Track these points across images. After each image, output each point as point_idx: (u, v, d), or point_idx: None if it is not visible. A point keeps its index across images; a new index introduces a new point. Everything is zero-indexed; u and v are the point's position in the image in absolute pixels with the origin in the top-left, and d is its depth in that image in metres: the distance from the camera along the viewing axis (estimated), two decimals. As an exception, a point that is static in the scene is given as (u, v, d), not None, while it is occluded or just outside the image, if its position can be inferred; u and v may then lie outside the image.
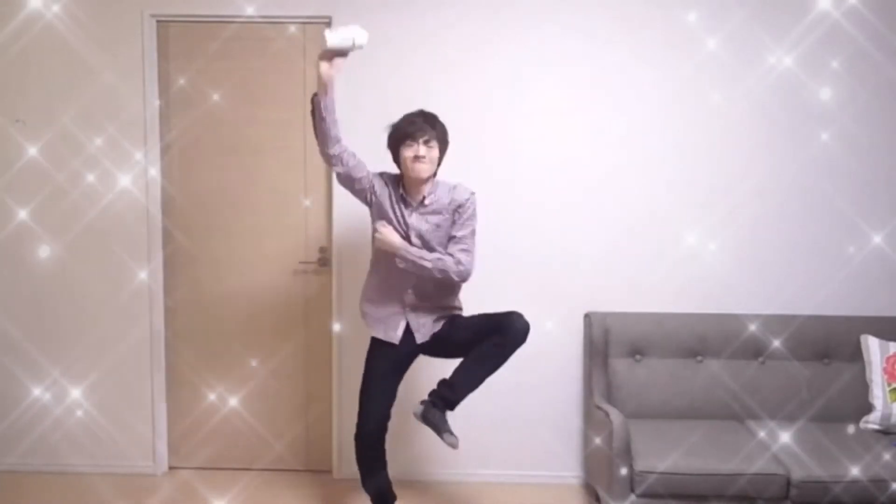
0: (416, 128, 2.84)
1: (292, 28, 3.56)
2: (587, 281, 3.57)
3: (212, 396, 3.71)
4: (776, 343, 3.42)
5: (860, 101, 3.48)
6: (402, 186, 2.94)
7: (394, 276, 2.91)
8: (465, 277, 2.89)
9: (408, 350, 2.99)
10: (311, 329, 3.71)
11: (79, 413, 3.68)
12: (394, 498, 3.12)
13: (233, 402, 3.71)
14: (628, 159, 3.55)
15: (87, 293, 3.65)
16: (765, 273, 3.56)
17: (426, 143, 2.83)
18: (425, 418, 2.90)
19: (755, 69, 3.47)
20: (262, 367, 3.70)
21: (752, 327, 3.42)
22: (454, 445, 2.87)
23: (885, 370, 3.30)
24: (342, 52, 2.70)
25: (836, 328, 3.45)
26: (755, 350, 3.44)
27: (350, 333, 3.60)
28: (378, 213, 2.94)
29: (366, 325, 3.02)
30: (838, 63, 3.46)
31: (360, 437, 3.00)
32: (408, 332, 2.96)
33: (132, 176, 3.59)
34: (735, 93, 3.49)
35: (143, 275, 3.63)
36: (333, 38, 2.65)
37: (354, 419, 3.68)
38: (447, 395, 2.91)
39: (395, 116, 3.52)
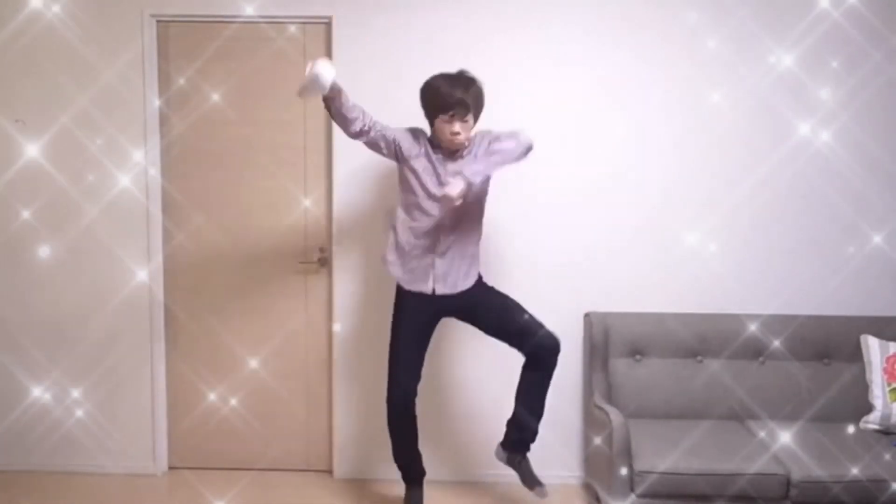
0: (456, 104, 2.86)
1: (292, 28, 3.56)
2: (587, 281, 3.58)
3: (212, 396, 3.71)
4: (776, 343, 3.42)
5: (860, 101, 3.48)
6: (434, 143, 3.01)
7: (425, 225, 3.00)
8: (531, 144, 2.96)
9: (433, 310, 3.07)
10: (311, 329, 3.71)
11: (79, 413, 3.68)
12: (422, 473, 3.23)
13: (233, 402, 3.71)
14: (628, 159, 3.55)
15: (88, 293, 3.65)
16: (765, 273, 3.56)
17: (463, 119, 2.89)
18: (515, 466, 3.15)
19: (755, 69, 3.47)
20: (262, 367, 3.70)
21: (752, 327, 3.42)
22: (543, 495, 3.10)
23: (885, 370, 3.30)
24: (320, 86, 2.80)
25: (836, 328, 3.45)
26: (755, 350, 3.44)
27: (350, 333, 3.60)
28: (409, 169, 3.01)
29: (390, 273, 3.10)
30: (838, 63, 3.47)
31: (390, 404, 3.11)
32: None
33: (132, 176, 3.59)
34: (735, 93, 3.49)
35: (143, 275, 3.63)
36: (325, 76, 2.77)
37: (354, 419, 3.70)
38: (521, 437, 3.11)
39: (393, 115, 3.54)
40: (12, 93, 3.58)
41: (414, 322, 3.09)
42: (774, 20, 3.46)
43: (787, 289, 3.55)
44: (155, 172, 3.61)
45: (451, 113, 2.88)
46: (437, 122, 2.94)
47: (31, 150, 3.58)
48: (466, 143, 2.97)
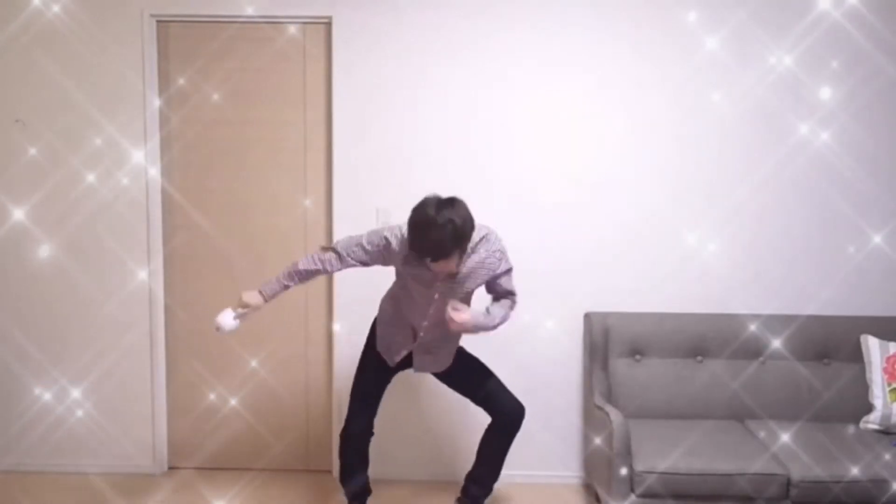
0: (436, 255, 2.64)
1: (292, 28, 3.56)
2: (587, 281, 3.58)
3: (212, 396, 3.72)
4: (776, 343, 3.42)
5: (860, 101, 3.48)
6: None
7: (412, 313, 2.95)
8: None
9: (402, 366, 3.09)
10: (311, 329, 3.71)
11: (79, 413, 3.69)
12: (369, 492, 3.26)
13: (233, 402, 3.71)
14: (628, 159, 3.55)
15: (88, 293, 3.65)
16: (765, 273, 3.56)
17: (446, 261, 2.68)
18: None
19: (755, 69, 3.48)
20: (262, 367, 3.70)
21: (752, 327, 3.42)
22: None
23: (885, 370, 3.30)
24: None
25: (836, 328, 3.45)
26: (755, 350, 3.44)
27: (350, 333, 3.60)
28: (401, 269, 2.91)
29: (377, 342, 3.07)
30: (838, 63, 3.47)
31: (345, 437, 3.13)
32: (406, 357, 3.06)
33: (132, 176, 3.59)
34: (735, 93, 3.49)
35: (143, 275, 3.63)
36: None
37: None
38: (477, 493, 3.14)
39: (393, 115, 3.54)
40: (12, 93, 3.58)
41: (381, 371, 3.08)
42: (774, 20, 3.46)
43: (787, 289, 3.55)
44: (155, 172, 3.61)
45: (434, 261, 2.67)
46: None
47: (31, 150, 3.58)
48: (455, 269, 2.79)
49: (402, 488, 3.59)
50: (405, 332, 2.99)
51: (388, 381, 3.14)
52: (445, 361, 3.07)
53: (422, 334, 2.95)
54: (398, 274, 2.97)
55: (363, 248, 2.85)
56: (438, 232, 2.58)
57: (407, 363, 3.07)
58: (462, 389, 3.13)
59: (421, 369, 3.07)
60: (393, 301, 3.03)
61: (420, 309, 2.90)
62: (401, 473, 3.67)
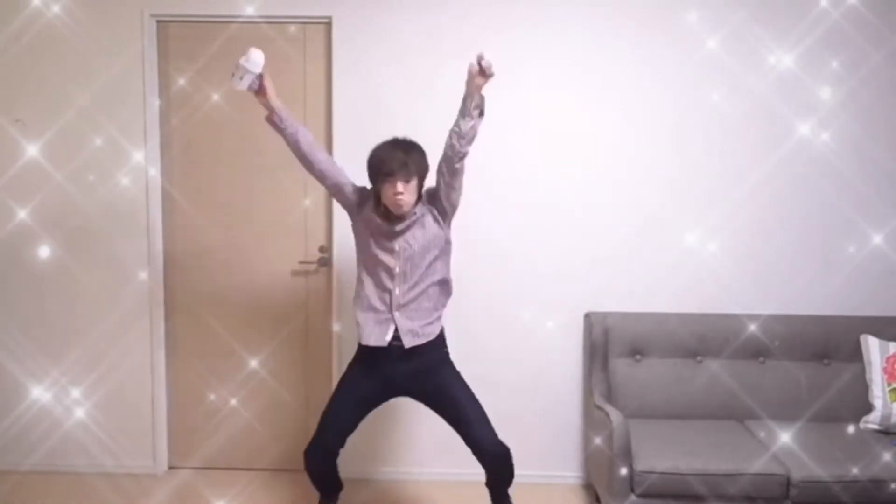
0: (396, 165, 2.75)
1: (292, 28, 3.56)
2: (587, 281, 3.58)
3: (212, 396, 3.72)
4: (776, 343, 3.42)
5: (860, 101, 3.49)
6: (383, 207, 2.87)
7: (383, 276, 2.87)
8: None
9: (386, 378, 2.90)
10: (311, 329, 3.71)
11: (79, 413, 3.69)
12: (340, 487, 3.11)
13: (233, 402, 3.71)
14: (628, 159, 3.55)
15: (87, 293, 3.65)
16: (765, 273, 3.56)
17: (405, 178, 2.77)
18: None
19: (755, 69, 3.48)
20: (262, 367, 3.70)
21: (752, 327, 3.43)
22: None
23: (885, 370, 3.30)
24: (252, 81, 2.80)
25: (836, 328, 3.45)
26: (755, 350, 3.44)
27: (350, 333, 3.60)
28: (364, 224, 2.91)
29: (360, 335, 2.91)
30: (838, 63, 3.47)
31: (307, 457, 2.93)
32: (392, 362, 2.87)
33: (132, 176, 3.59)
34: (735, 93, 3.49)
35: (143, 275, 3.63)
36: (241, 82, 2.79)
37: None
38: None
39: (393, 115, 3.54)
40: (12, 93, 3.59)
41: (363, 384, 2.93)
42: (774, 20, 3.46)
43: (787, 289, 3.55)
44: (155, 172, 3.61)
45: (393, 174, 2.75)
46: (381, 185, 2.80)
47: (31, 150, 3.58)
48: (409, 209, 2.84)
49: (400, 488, 3.59)
50: (383, 302, 2.87)
51: (368, 402, 2.96)
52: (428, 331, 2.88)
53: (397, 292, 2.84)
54: (360, 242, 2.93)
55: (342, 175, 2.97)
56: (404, 143, 2.82)
57: (392, 378, 2.89)
58: (448, 420, 2.93)
59: (411, 341, 2.85)
60: (363, 282, 2.92)
61: (387, 268, 2.85)
62: (398, 472, 3.67)
